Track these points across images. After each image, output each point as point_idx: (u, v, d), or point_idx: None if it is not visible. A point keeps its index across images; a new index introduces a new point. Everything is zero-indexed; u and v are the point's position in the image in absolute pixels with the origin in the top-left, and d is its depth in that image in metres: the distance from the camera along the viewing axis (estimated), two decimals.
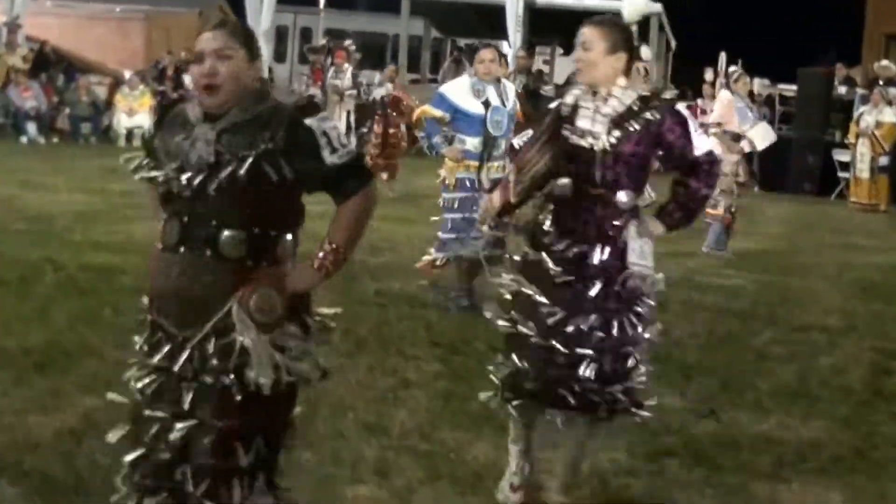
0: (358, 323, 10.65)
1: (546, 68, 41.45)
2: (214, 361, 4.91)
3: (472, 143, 11.50)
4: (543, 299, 6.33)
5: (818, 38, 42.61)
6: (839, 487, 7.32)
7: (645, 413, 6.55)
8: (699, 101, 29.44)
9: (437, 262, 11.79)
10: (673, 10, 37.76)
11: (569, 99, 6.56)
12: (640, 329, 6.44)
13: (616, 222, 6.36)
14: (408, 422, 8.06)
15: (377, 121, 21.97)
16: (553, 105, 6.68)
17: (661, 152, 6.55)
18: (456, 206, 11.52)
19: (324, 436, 7.62)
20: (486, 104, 11.46)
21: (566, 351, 6.27)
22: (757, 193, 24.95)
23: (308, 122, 4.85)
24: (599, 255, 6.35)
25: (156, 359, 5.08)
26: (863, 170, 25.17)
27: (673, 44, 40.83)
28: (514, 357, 6.46)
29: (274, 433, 5.12)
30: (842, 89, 30.34)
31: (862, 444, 8.25)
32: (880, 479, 7.56)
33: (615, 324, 6.34)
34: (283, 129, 4.82)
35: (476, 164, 11.45)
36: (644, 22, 35.90)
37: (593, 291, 6.32)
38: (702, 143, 6.55)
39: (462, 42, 44.87)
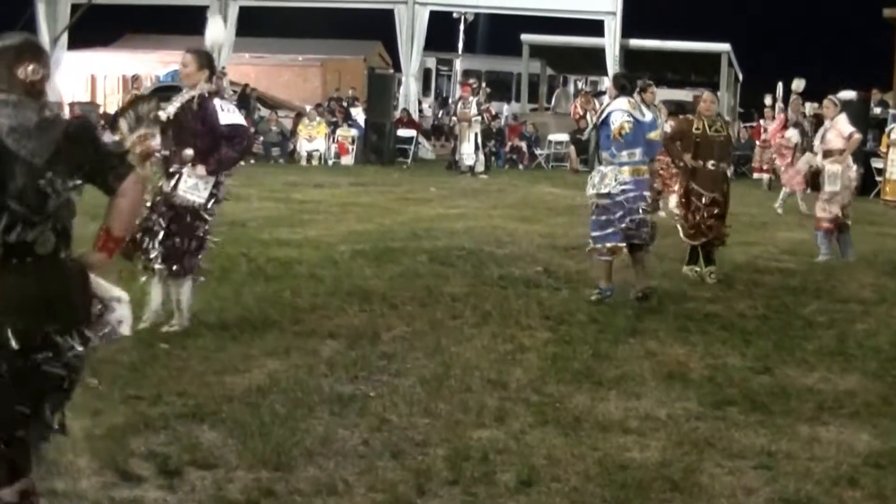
0: (484, 300, 10.67)
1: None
2: None
3: None
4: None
5: (859, 68, 41.89)
6: (868, 428, 7.18)
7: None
8: (761, 122, 29.03)
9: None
10: (740, 48, 37.35)
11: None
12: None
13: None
14: (522, 378, 8.05)
15: None
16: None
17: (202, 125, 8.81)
18: None
19: (455, 389, 7.64)
20: None
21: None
22: (809, 194, 24.50)
23: None
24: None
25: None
26: (893, 173, 24.72)
27: (740, 76, 40.33)
28: None
29: None
30: (877, 109, 29.81)
31: (888, 393, 8.07)
32: None
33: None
34: None
35: None
36: (716, 58, 35.62)
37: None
38: (229, 119, 8.94)
39: (573, 78, 44.77)
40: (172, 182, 8.87)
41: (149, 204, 8.79)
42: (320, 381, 7.73)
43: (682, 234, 12.69)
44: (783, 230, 17.18)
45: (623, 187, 10.90)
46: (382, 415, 7.01)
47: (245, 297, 10.33)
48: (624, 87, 11.32)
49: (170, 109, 8.95)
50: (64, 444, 6.07)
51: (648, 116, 11.38)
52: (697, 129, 12.57)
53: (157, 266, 8.96)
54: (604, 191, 10.91)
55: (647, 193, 11.24)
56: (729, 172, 13.37)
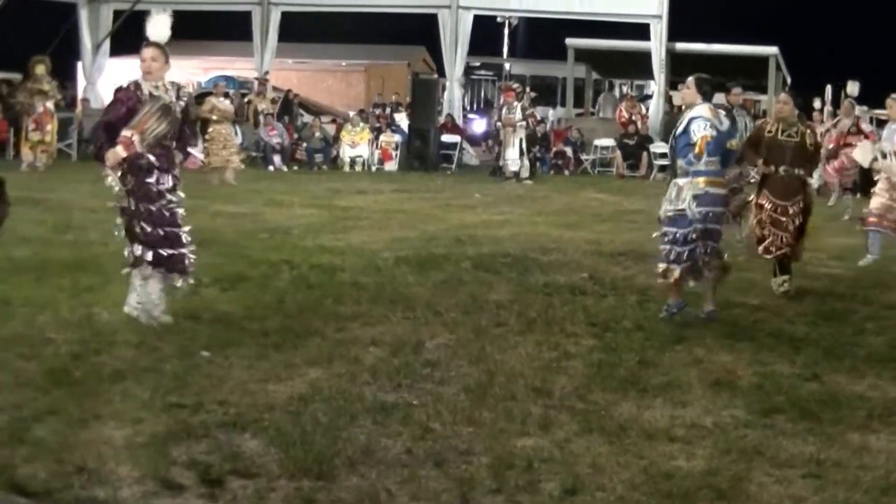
0: (529, 307, 10.64)
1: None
2: None
3: None
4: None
5: None
6: None
7: None
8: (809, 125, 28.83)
9: None
10: (788, 51, 37.14)
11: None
12: None
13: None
14: (567, 386, 8.02)
15: None
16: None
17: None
18: None
19: (499, 397, 7.63)
20: None
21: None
22: (858, 199, 24.37)
23: None
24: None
25: None
26: None
27: (788, 79, 40.13)
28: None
29: None
30: None
31: None
32: None
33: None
34: None
35: None
36: (763, 61, 35.42)
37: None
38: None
39: (618, 82, 44.65)
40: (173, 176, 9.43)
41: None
42: (363, 389, 7.73)
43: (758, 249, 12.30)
44: (832, 235, 17.01)
45: (698, 202, 10.31)
46: (426, 423, 7.01)
47: (287, 304, 10.36)
48: (706, 92, 10.67)
49: (175, 108, 9.33)
50: (105, 453, 6.13)
51: (726, 124, 10.79)
52: (770, 132, 12.20)
53: (147, 259, 9.29)
54: (680, 206, 10.32)
55: (721, 210, 10.65)
56: (811, 180, 12.74)
